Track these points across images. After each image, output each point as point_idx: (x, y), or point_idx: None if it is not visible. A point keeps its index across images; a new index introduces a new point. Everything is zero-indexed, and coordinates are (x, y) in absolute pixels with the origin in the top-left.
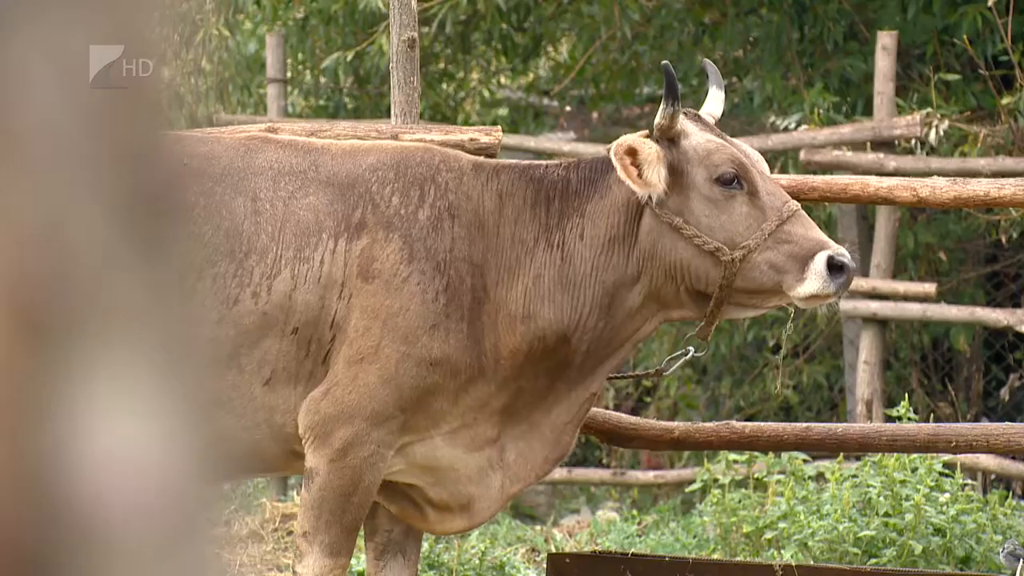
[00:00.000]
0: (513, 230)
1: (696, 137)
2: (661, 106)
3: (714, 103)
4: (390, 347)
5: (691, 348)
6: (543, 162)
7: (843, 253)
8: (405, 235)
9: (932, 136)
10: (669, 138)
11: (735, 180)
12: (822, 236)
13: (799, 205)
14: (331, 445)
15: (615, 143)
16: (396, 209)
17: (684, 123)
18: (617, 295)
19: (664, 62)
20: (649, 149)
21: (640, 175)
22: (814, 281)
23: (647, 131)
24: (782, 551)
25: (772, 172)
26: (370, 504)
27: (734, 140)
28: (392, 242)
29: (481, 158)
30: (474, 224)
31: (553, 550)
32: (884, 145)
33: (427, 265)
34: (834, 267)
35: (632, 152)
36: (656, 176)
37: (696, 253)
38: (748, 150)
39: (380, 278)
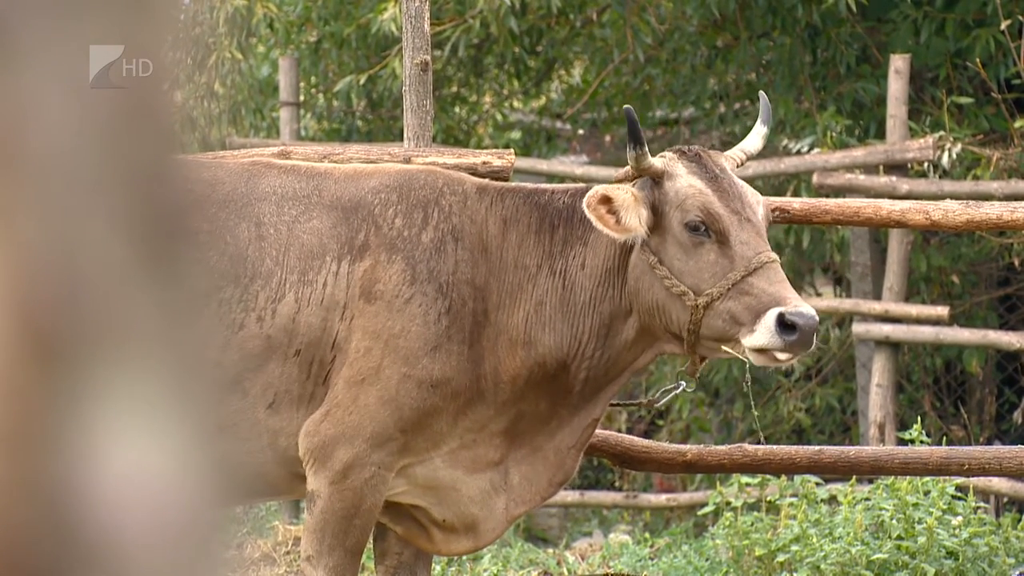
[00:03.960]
0: (516, 255)
1: (680, 180)
2: (628, 150)
3: (752, 138)
4: (391, 368)
5: (683, 383)
6: (549, 187)
7: (799, 313)
8: (408, 257)
9: (945, 159)
10: (654, 179)
11: (703, 228)
12: (784, 292)
13: (774, 257)
14: (332, 467)
15: (587, 195)
16: (399, 231)
17: (673, 164)
18: (613, 326)
19: (626, 107)
20: (623, 195)
21: (618, 221)
22: (761, 335)
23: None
24: (794, 574)
25: (785, 195)
26: (372, 526)
27: (735, 182)
28: (395, 264)
29: (486, 181)
30: (477, 247)
31: (565, 573)
32: (897, 168)
33: (429, 287)
34: (785, 324)
35: (606, 200)
36: (635, 220)
37: (668, 295)
38: (743, 194)
39: (382, 299)
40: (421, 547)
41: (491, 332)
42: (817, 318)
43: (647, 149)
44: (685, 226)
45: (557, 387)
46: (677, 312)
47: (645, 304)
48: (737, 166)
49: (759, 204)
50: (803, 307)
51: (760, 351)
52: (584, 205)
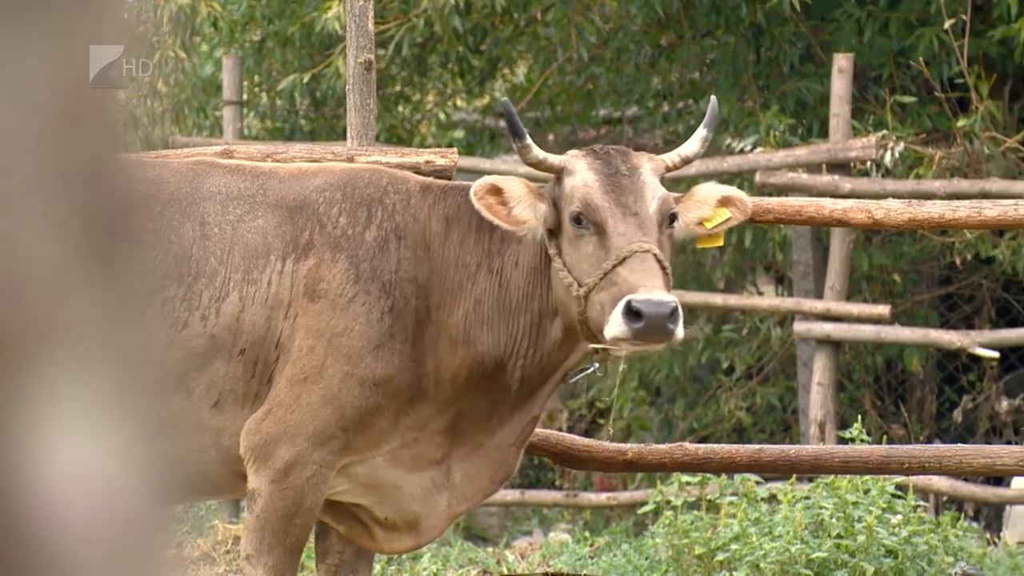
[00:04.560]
0: (457, 253)
1: (576, 176)
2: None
3: (691, 142)
4: (334, 367)
5: (595, 363)
6: None
7: (646, 300)
8: (352, 256)
9: (887, 158)
10: (555, 174)
11: (584, 220)
12: (642, 280)
13: (646, 248)
14: (273, 465)
15: (475, 184)
16: (343, 230)
17: (575, 162)
18: (543, 325)
19: (503, 100)
20: (516, 186)
21: (509, 213)
22: (613, 324)
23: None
24: (734, 573)
25: None
26: (312, 525)
27: (637, 179)
28: (339, 263)
29: (430, 179)
30: (420, 245)
31: (505, 572)
32: (839, 167)
33: (373, 286)
34: (632, 312)
35: (495, 191)
36: (528, 212)
37: (563, 287)
38: (640, 190)
39: (326, 298)
40: (363, 546)
41: (432, 331)
42: (671, 306)
43: (529, 142)
44: (570, 218)
45: (496, 385)
46: (570, 303)
47: (556, 298)
48: (667, 169)
49: (655, 200)
50: (654, 294)
51: (615, 340)
52: (472, 194)
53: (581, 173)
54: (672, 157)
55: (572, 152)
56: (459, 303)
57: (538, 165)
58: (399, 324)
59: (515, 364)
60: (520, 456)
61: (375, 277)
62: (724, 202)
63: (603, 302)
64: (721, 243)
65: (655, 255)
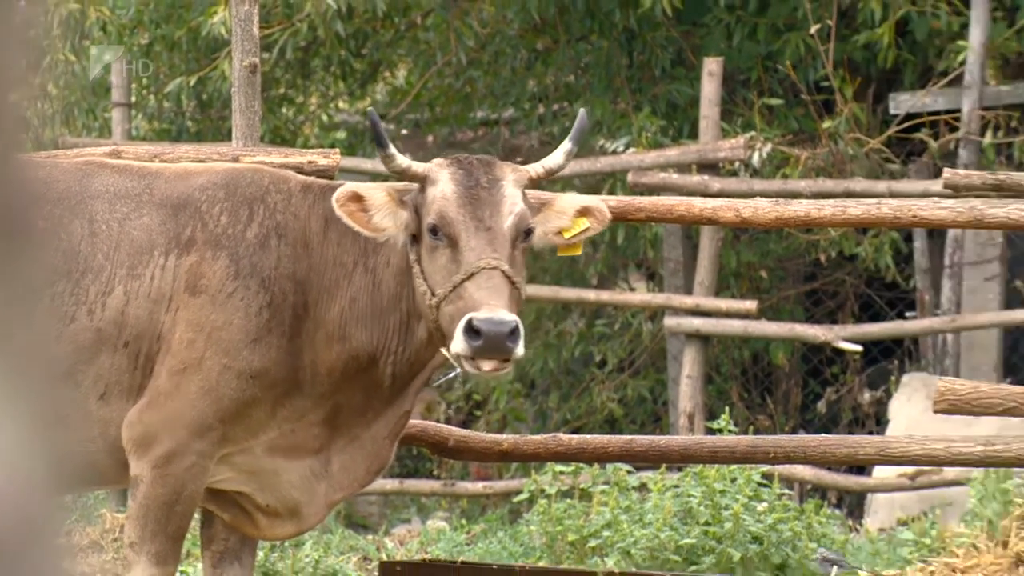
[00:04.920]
0: (335, 252)
1: (437, 186)
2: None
3: (555, 155)
4: (212, 359)
5: (458, 369)
6: None
7: (486, 318)
8: (232, 253)
9: (755, 159)
10: (419, 183)
11: (437, 232)
12: (487, 298)
13: (495, 264)
14: (154, 454)
15: (337, 192)
16: (224, 228)
17: (438, 171)
18: (411, 324)
19: (368, 109)
20: (377, 195)
21: (370, 220)
22: (456, 340)
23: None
24: (606, 559)
25: (600, 193)
26: (193, 512)
27: (496, 192)
28: (219, 260)
29: (312, 179)
30: (300, 243)
31: (385, 558)
32: (709, 167)
33: (252, 281)
34: (472, 330)
35: (356, 198)
36: (387, 221)
37: (419, 294)
38: (498, 204)
39: (207, 293)
40: (247, 533)
41: (310, 326)
42: (510, 325)
43: (392, 151)
44: (427, 229)
45: (370, 380)
46: (425, 310)
47: (416, 302)
48: (531, 180)
49: (511, 215)
50: (495, 313)
51: (457, 357)
52: (333, 201)
53: (442, 183)
54: (536, 168)
55: (437, 161)
56: (336, 300)
57: (402, 174)
58: (277, 319)
59: (387, 360)
60: (394, 449)
61: (254, 273)
62: (583, 212)
63: (451, 315)
64: (579, 252)
65: (503, 271)
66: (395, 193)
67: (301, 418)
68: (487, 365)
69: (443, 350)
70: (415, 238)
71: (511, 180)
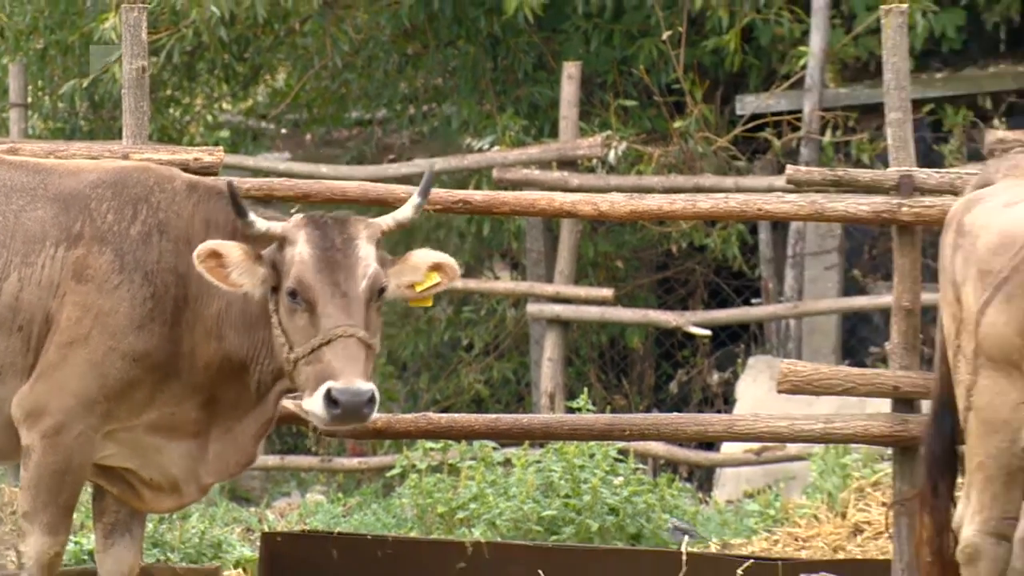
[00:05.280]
0: None
1: (295, 248)
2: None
3: (404, 208)
4: (99, 339)
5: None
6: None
7: (345, 390)
8: (117, 248)
9: (611, 156)
10: (278, 243)
11: (296, 296)
12: (344, 368)
13: (351, 332)
14: (44, 424)
15: (198, 248)
16: (110, 225)
17: (295, 231)
18: (275, 343)
19: (228, 180)
20: (234, 252)
21: (228, 276)
22: (315, 403)
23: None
24: (473, 530)
25: (467, 188)
26: (83, 484)
27: (350, 254)
28: (105, 255)
29: (198, 179)
30: (182, 240)
31: (266, 530)
32: (568, 164)
33: (136, 275)
34: (331, 399)
35: (215, 255)
36: (244, 278)
37: (278, 343)
38: (352, 267)
39: (93, 282)
40: (133, 506)
41: (190, 317)
42: (367, 395)
43: (252, 219)
44: (287, 292)
45: (242, 381)
46: (282, 360)
47: (274, 350)
48: (383, 233)
49: (365, 279)
50: (354, 385)
51: (312, 416)
52: (194, 257)
53: (299, 245)
54: (387, 221)
55: (295, 220)
56: (214, 300)
57: (262, 237)
58: (159, 308)
59: (255, 368)
60: (259, 449)
61: (138, 267)
62: (435, 268)
63: (308, 375)
64: (430, 304)
65: (359, 338)
66: (251, 251)
67: (180, 403)
68: (343, 429)
69: (298, 404)
70: (275, 289)
71: (364, 237)
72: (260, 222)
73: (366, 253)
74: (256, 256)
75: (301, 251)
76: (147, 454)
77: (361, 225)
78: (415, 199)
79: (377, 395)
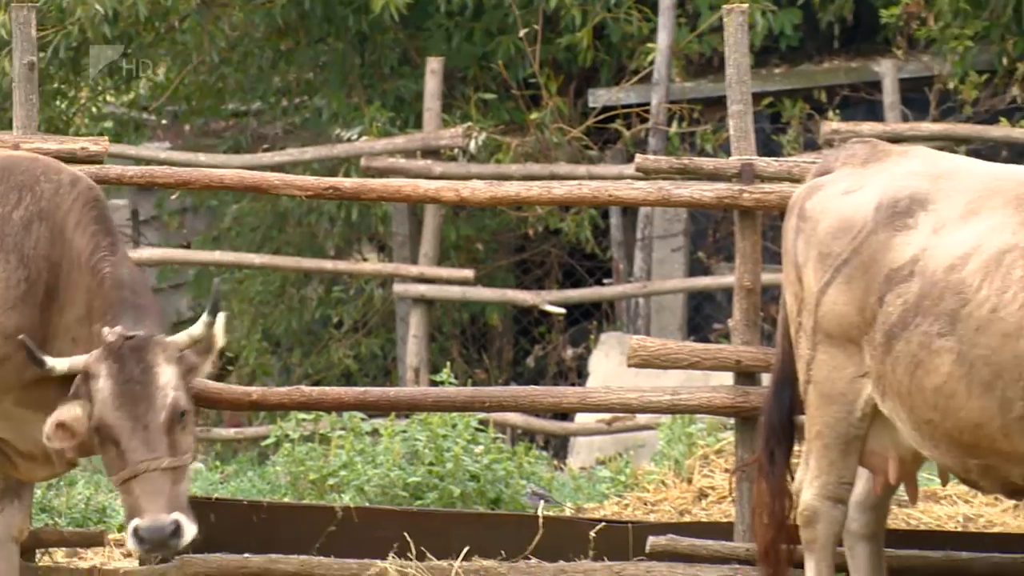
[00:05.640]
0: (79, 252)
1: (97, 383)
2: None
3: (196, 326)
4: None
5: None
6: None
7: (147, 527)
8: None
9: (472, 146)
10: (82, 376)
11: (101, 433)
12: (148, 504)
13: (155, 466)
14: None
15: (46, 429)
16: None
17: (98, 365)
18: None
19: (21, 336)
20: (74, 412)
21: (75, 434)
22: (127, 536)
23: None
24: (342, 495)
25: (337, 176)
26: None
27: (150, 384)
28: None
29: (81, 175)
30: (57, 230)
31: None
32: (432, 153)
33: (13, 257)
34: (137, 535)
35: (61, 426)
36: (83, 425)
37: (106, 463)
38: (152, 397)
39: None
40: (11, 475)
41: (57, 306)
42: (169, 529)
43: (51, 364)
44: (93, 429)
45: None
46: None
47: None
48: (180, 350)
49: (165, 409)
50: (156, 520)
51: (129, 545)
52: (45, 439)
53: (101, 380)
54: (182, 338)
55: (95, 354)
56: (80, 290)
57: (66, 375)
58: (32, 291)
59: None
60: None
61: (16, 250)
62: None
63: (125, 503)
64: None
65: (164, 468)
66: (77, 399)
67: (43, 383)
68: (157, 556)
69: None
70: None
71: (163, 360)
72: (60, 363)
73: (166, 380)
74: (74, 396)
75: (102, 387)
76: (17, 426)
77: (159, 348)
78: (206, 317)
79: (184, 523)
